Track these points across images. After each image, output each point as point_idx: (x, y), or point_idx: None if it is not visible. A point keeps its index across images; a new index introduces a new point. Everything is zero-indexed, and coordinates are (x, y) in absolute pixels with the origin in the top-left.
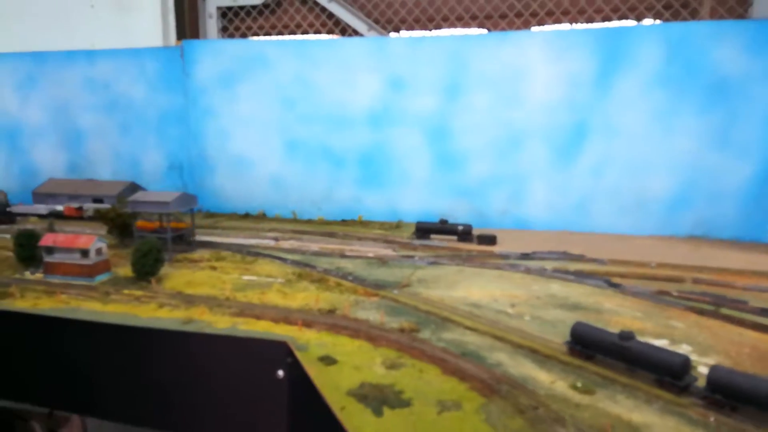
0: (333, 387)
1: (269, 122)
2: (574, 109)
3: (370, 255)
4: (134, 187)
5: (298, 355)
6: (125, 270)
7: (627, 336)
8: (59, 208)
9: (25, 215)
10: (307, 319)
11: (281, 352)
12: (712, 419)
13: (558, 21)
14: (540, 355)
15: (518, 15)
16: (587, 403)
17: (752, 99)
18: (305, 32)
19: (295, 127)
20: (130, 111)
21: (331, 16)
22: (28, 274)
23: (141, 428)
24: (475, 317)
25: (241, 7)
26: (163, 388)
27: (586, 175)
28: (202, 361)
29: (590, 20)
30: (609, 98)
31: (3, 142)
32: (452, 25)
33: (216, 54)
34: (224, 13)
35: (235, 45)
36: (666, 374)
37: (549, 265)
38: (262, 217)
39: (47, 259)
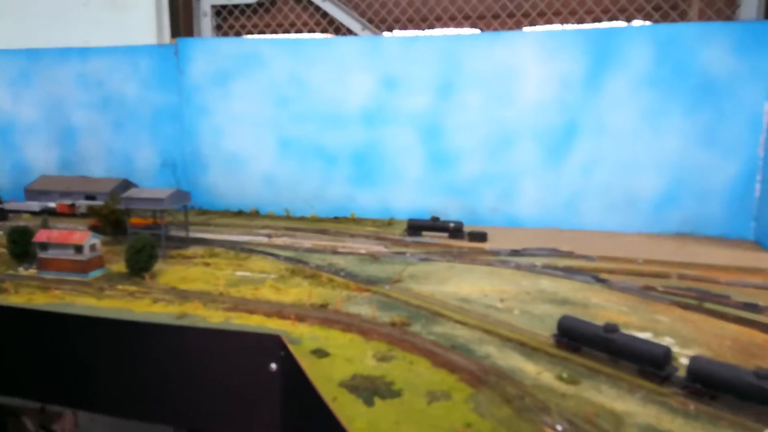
0: (325, 379)
1: (263, 120)
2: (564, 108)
3: (363, 252)
4: (127, 184)
5: (291, 348)
6: (119, 266)
7: (611, 328)
8: (51, 205)
9: (17, 212)
10: (299, 313)
11: (274, 345)
12: (692, 407)
13: (549, 21)
14: (528, 348)
15: (510, 15)
16: (572, 392)
17: (739, 99)
18: (299, 31)
19: (289, 125)
20: (124, 108)
21: (325, 15)
22: (21, 270)
23: (134, 422)
24: (465, 312)
25: (236, 6)
26: (157, 382)
27: (576, 174)
28: (196, 354)
29: (581, 21)
30: (599, 98)
31: None
32: (445, 25)
33: (210, 52)
34: (218, 11)
35: (230, 43)
36: (648, 365)
37: (539, 261)
38: (255, 214)
39: (41, 255)
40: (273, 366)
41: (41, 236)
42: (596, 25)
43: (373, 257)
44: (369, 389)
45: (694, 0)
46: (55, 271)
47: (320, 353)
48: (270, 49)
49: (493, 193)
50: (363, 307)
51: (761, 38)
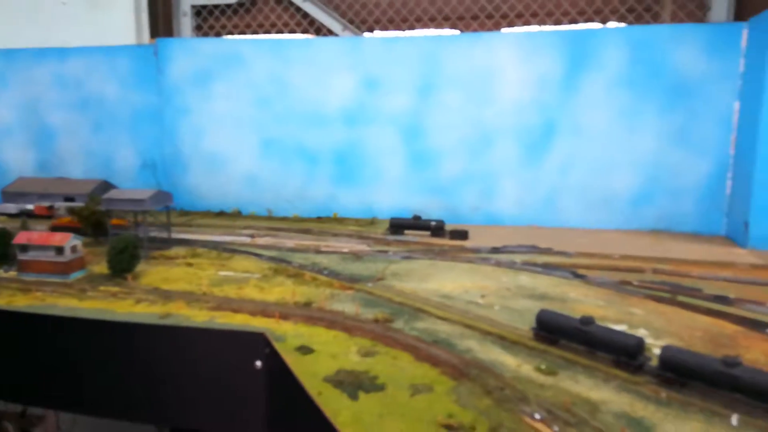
0: (310, 374)
1: (244, 120)
2: (542, 108)
3: (345, 250)
4: (106, 186)
5: (276, 345)
6: (101, 267)
7: (587, 321)
8: (29, 207)
9: None
10: (284, 311)
11: (259, 343)
12: (663, 395)
13: (527, 23)
14: (507, 341)
15: (489, 17)
16: (550, 383)
17: (710, 99)
18: (280, 31)
19: (270, 125)
20: (103, 109)
21: (305, 15)
22: (1, 273)
23: (116, 424)
24: (447, 308)
25: (216, 6)
26: (142, 381)
27: (554, 172)
28: (181, 353)
29: (558, 22)
30: (576, 98)
31: None
32: (425, 26)
33: (191, 52)
34: (198, 11)
35: (210, 43)
36: (622, 355)
37: (518, 258)
38: (237, 215)
39: (21, 257)
40: (258, 363)
41: (21, 238)
42: (573, 26)
43: (356, 256)
44: (353, 384)
45: (666, 2)
46: (35, 273)
47: (305, 350)
48: (251, 49)
49: (474, 191)
50: (346, 305)
51: (731, 39)
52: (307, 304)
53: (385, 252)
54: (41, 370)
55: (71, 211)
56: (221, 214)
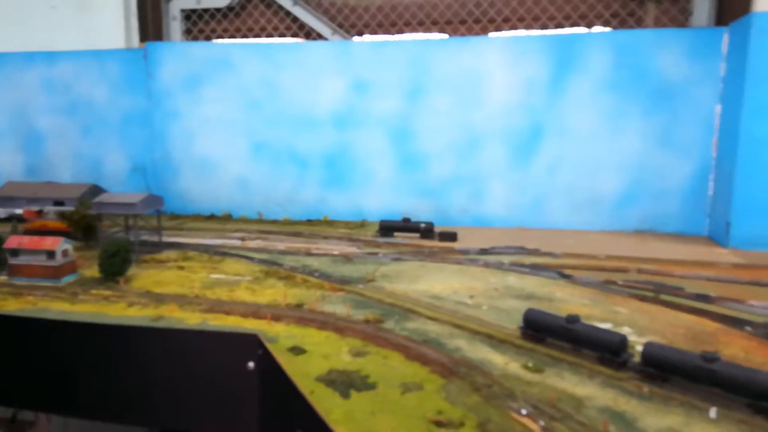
0: (302, 374)
1: (234, 124)
2: (530, 111)
3: (336, 253)
4: (96, 190)
5: (269, 346)
6: (92, 271)
7: (573, 319)
8: (18, 211)
9: None
10: (275, 313)
11: (252, 344)
12: (645, 390)
13: (514, 27)
14: (495, 340)
15: (477, 21)
16: (537, 380)
17: (692, 102)
18: (270, 35)
19: (261, 129)
20: (92, 113)
21: (295, 19)
22: None
23: (107, 427)
24: (436, 308)
25: (205, 10)
26: (135, 384)
27: (541, 175)
28: (174, 355)
29: (544, 27)
30: (562, 101)
31: None
32: (414, 30)
33: (180, 56)
34: (188, 15)
35: (200, 47)
36: (606, 352)
37: (506, 259)
38: (228, 218)
39: (12, 261)
40: (251, 364)
41: (12, 242)
42: (559, 30)
43: (347, 258)
44: (345, 383)
45: (649, 7)
46: (27, 277)
47: (297, 350)
48: (241, 53)
49: (463, 194)
50: (337, 306)
51: (712, 44)
52: (299, 306)
53: (375, 254)
54: (34, 374)
55: (61, 215)
56: (212, 217)
